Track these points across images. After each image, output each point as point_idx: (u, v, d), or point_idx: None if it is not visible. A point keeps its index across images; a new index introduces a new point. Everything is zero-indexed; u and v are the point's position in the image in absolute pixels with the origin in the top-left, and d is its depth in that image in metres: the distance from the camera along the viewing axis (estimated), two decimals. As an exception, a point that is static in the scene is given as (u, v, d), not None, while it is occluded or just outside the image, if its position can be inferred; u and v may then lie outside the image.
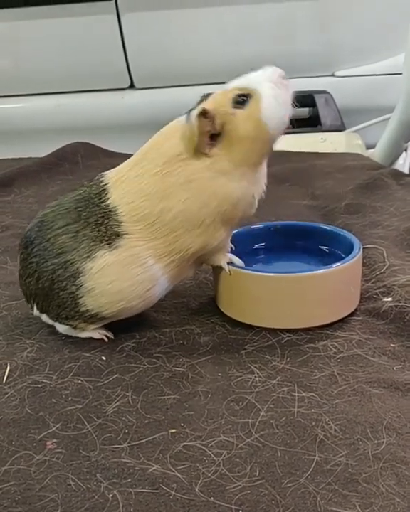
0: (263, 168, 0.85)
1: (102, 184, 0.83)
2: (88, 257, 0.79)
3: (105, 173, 0.85)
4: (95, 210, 0.81)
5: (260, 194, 0.85)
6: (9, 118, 2.18)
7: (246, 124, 0.79)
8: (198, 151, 0.78)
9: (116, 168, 0.85)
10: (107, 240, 0.80)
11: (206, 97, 0.81)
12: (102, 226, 0.80)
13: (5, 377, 0.78)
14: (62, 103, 2.17)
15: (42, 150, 1.82)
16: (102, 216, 0.80)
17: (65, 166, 1.72)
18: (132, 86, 2.18)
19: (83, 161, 1.73)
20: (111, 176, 0.84)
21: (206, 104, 0.79)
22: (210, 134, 0.78)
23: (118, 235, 0.80)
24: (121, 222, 0.80)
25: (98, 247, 0.80)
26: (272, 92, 0.79)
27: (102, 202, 0.81)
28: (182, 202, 0.79)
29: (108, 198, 0.81)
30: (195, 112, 0.78)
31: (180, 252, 0.81)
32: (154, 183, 0.80)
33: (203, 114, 0.77)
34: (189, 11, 2.06)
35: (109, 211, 0.80)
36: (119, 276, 0.80)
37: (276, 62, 2.25)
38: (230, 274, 0.86)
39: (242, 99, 0.79)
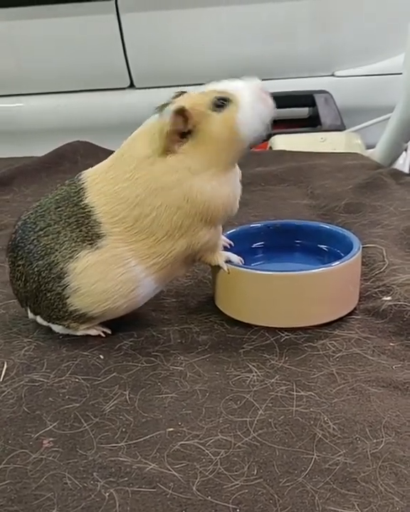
0: (235, 172, 0.84)
1: (80, 183, 0.82)
2: (71, 257, 0.79)
3: (84, 171, 0.84)
4: (74, 210, 0.80)
5: (237, 195, 0.84)
6: (9, 117, 2.18)
7: (220, 128, 0.78)
8: (166, 149, 0.78)
9: (94, 167, 0.84)
10: (89, 240, 0.79)
11: (180, 94, 0.81)
12: (83, 226, 0.79)
13: (2, 376, 0.78)
14: (63, 103, 2.17)
15: (42, 149, 1.81)
16: (82, 216, 0.80)
17: (65, 165, 1.72)
18: (131, 85, 2.18)
19: (82, 160, 1.73)
20: (89, 175, 0.83)
21: (184, 102, 0.78)
22: (180, 133, 0.77)
23: (99, 236, 0.79)
24: (100, 223, 0.79)
25: (80, 248, 0.79)
26: (252, 103, 0.78)
27: (81, 201, 0.80)
28: (156, 208, 0.78)
29: (86, 197, 0.80)
30: (171, 108, 0.76)
31: (162, 254, 0.80)
32: (127, 188, 0.79)
33: (181, 111, 0.76)
34: (189, 11, 2.06)
35: (88, 211, 0.80)
36: (103, 277, 0.79)
37: (276, 61, 2.25)
38: (229, 272, 0.85)
39: (221, 103, 0.78)
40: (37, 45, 2.10)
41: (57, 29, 2.08)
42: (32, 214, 0.83)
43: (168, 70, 2.13)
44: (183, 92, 0.81)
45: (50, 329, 0.87)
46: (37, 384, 0.76)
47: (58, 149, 1.79)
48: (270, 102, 0.80)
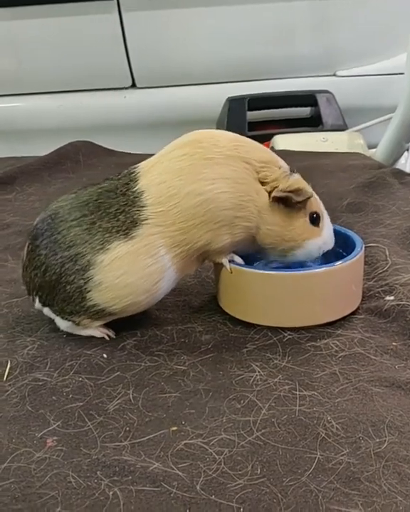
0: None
1: (132, 174, 0.83)
2: (102, 248, 0.79)
3: (137, 165, 0.85)
4: (119, 199, 0.81)
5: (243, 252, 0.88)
6: (11, 117, 2.18)
7: (298, 230, 0.84)
8: (271, 194, 0.82)
9: (150, 158, 0.85)
10: (124, 230, 0.79)
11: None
12: (121, 215, 0.80)
13: (5, 375, 0.78)
14: (64, 102, 2.17)
15: (44, 149, 1.82)
16: (125, 203, 0.80)
17: (67, 164, 1.72)
18: (133, 85, 2.18)
19: (84, 159, 1.72)
20: (144, 164, 0.84)
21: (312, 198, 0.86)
22: (288, 199, 0.82)
23: (136, 224, 0.80)
24: (143, 207, 0.80)
25: (114, 238, 0.79)
26: (324, 243, 0.87)
27: (129, 189, 0.81)
28: (217, 192, 0.79)
29: (137, 184, 0.81)
30: (305, 185, 0.84)
31: (189, 243, 0.81)
32: (201, 165, 0.80)
33: (310, 195, 0.84)
34: (191, 11, 2.06)
35: (135, 197, 0.81)
36: (129, 268, 0.79)
37: (278, 61, 2.25)
38: (231, 272, 0.86)
39: (314, 219, 0.86)
40: (38, 45, 2.10)
41: (58, 28, 2.07)
42: (66, 205, 0.82)
43: (170, 70, 2.13)
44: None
45: (54, 328, 0.87)
46: (40, 383, 0.76)
47: (59, 149, 1.79)
48: (318, 257, 0.88)
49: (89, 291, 0.80)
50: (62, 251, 0.80)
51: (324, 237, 0.87)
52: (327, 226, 0.88)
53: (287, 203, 0.83)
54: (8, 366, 0.80)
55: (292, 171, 0.85)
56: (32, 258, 0.83)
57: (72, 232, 0.80)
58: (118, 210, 0.80)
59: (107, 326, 0.86)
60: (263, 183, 0.83)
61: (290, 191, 0.82)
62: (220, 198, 0.80)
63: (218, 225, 0.81)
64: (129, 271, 0.80)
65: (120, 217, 0.80)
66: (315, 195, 0.87)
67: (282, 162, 0.85)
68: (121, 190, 0.82)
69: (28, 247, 0.84)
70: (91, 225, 0.80)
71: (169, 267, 0.82)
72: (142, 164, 0.85)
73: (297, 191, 0.82)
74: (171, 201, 0.80)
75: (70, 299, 0.81)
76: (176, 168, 0.80)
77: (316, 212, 0.86)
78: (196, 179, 0.80)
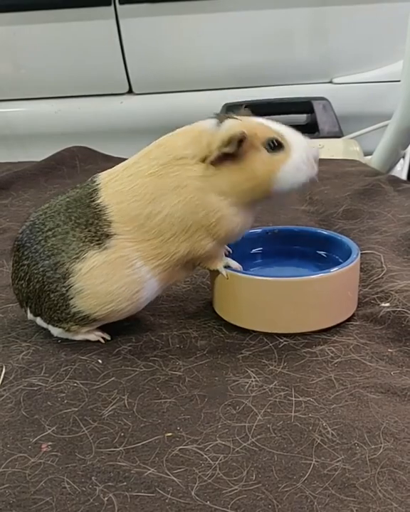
0: (252, 212, 0.85)
1: (94, 184, 0.83)
2: (78, 258, 0.80)
3: (98, 174, 0.85)
4: (85, 211, 0.81)
5: (244, 230, 0.85)
6: (8, 122, 2.18)
7: (261, 168, 0.79)
8: (206, 160, 0.78)
9: (110, 169, 0.85)
10: (97, 241, 0.80)
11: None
12: (91, 226, 0.80)
13: (0, 380, 0.78)
14: (61, 108, 2.18)
15: (41, 154, 1.82)
16: (92, 216, 0.81)
17: (63, 169, 1.72)
18: (130, 91, 2.18)
19: (81, 165, 1.73)
20: (103, 177, 0.84)
21: (245, 128, 0.77)
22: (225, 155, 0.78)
23: (108, 236, 0.80)
24: (111, 222, 0.80)
25: (88, 248, 0.80)
26: (301, 161, 0.80)
27: (92, 201, 0.81)
28: (171, 206, 0.79)
29: (99, 198, 0.81)
30: (234, 129, 0.76)
31: (167, 256, 0.81)
32: (147, 184, 0.80)
33: (242, 138, 0.76)
34: (188, 17, 2.07)
35: (99, 211, 0.81)
36: (108, 278, 0.80)
37: (274, 68, 2.25)
38: (228, 278, 0.86)
39: (274, 145, 0.79)
40: (36, 50, 2.10)
41: (56, 34, 2.08)
42: (41, 215, 0.83)
43: (167, 76, 2.14)
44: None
45: (48, 333, 0.87)
46: (35, 388, 0.76)
47: (56, 154, 1.79)
48: (315, 171, 0.82)
49: (71, 298, 0.81)
50: (43, 260, 0.81)
51: (297, 155, 0.80)
52: (295, 143, 0.80)
53: (230, 156, 0.78)
54: (3, 371, 0.80)
55: (221, 118, 0.80)
56: (17, 269, 0.84)
57: (50, 242, 0.81)
58: (87, 221, 0.80)
59: (102, 329, 0.86)
60: (205, 159, 0.79)
61: (219, 147, 0.77)
62: (179, 210, 0.79)
63: (190, 233, 0.81)
64: (108, 280, 0.80)
65: (91, 228, 0.80)
66: (261, 121, 0.81)
67: (206, 123, 0.80)
68: (85, 201, 0.82)
69: (14, 258, 0.85)
70: (65, 235, 0.81)
71: (148, 278, 0.82)
72: (103, 175, 0.84)
73: (226, 142, 0.76)
74: (135, 222, 0.80)
75: (56, 306, 0.82)
76: (129, 189, 0.80)
77: (271, 140, 0.79)
78: (149, 199, 0.79)
